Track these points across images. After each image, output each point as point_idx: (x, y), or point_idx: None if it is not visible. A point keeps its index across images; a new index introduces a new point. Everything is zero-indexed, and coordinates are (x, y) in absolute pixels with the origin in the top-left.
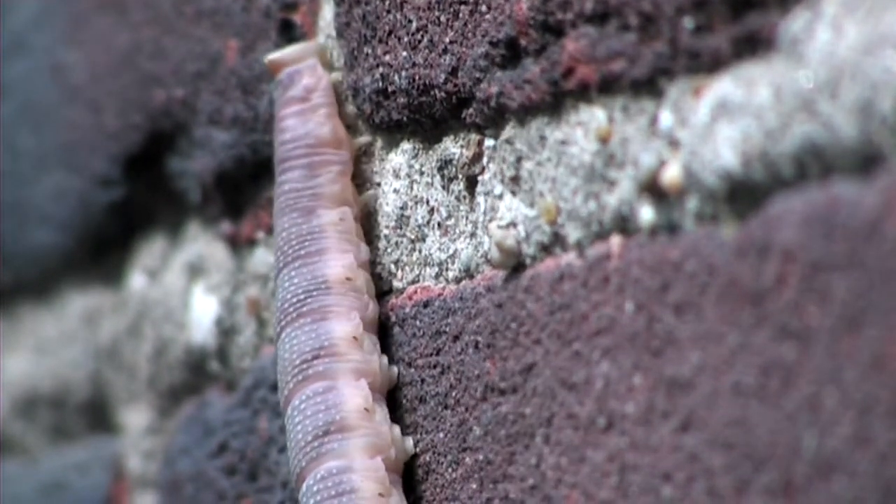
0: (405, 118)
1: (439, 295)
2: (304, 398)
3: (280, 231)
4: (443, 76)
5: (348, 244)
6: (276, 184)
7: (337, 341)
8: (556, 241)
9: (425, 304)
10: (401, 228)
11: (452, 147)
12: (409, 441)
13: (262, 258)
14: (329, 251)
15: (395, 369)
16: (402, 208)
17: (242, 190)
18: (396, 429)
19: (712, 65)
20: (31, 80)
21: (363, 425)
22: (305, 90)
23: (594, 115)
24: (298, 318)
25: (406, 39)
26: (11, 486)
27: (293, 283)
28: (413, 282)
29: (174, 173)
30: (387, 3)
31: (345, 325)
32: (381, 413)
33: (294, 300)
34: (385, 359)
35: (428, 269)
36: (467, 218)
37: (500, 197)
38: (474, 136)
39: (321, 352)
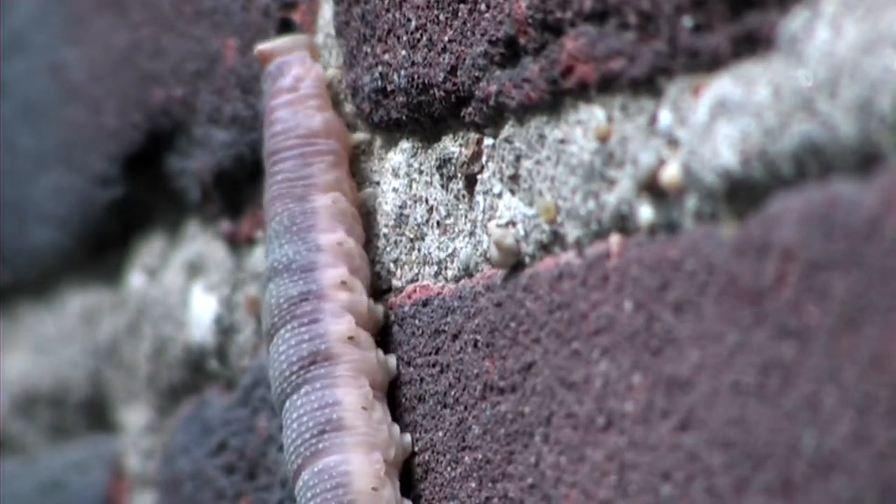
0: (404, 117)
1: (438, 294)
2: (290, 329)
3: (273, 215)
4: (442, 75)
5: (340, 223)
6: (268, 174)
7: (326, 288)
8: (555, 240)
9: (424, 303)
10: (400, 227)
11: (451, 146)
12: (408, 437)
13: (261, 257)
14: (321, 225)
15: (393, 360)
16: (401, 207)
17: (241, 189)
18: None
19: (711, 64)
20: (31, 79)
21: (348, 352)
22: (295, 80)
23: (593, 114)
24: (285, 271)
25: (405, 38)
26: (11, 484)
27: (283, 249)
28: (412, 281)
29: (173, 172)
30: (386, 1)
31: (331, 272)
32: (367, 340)
33: (283, 258)
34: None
35: (427, 267)
36: (466, 217)
37: (500, 196)
38: (473, 135)
39: (309, 295)
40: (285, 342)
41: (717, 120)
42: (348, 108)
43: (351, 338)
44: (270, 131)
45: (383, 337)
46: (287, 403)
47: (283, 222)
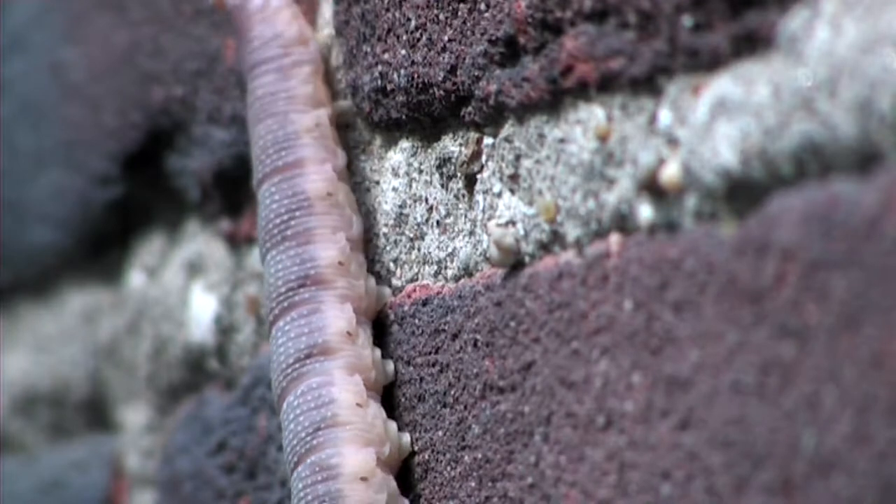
0: (404, 116)
1: (438, 293)
2: (290, 319)
3: (257, 139)
4: (442, 74)
5: (325, 152)
6: (248, 91)
7: (323, 269)
8: (554, 240)
9: (424, 303)
10: (400, 227)
11: (451, 145)
12: (405, 436)
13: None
14: (307, 162)
15: (391, 365)
16: (400, 206)
17: (241, 188)
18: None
19: (711, 63)
20: (31, 79)
21: (345, 348)
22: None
23: (593, 114)
24: (283, 241)
25: (405, 38)
26: (10, 483)
27: (274, 199)
28: (412, 280)
29: (173, 171)
30: (385, 1)
31: (330, 249)
32: (364, 336)
33: (278, 221)
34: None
35: (427, 267)
36: (466, 216)
37: (499, 195)
38: (473, 135)
39: (307, 280)
40: (284, 334)
41: (716, 119)
42: (347, 106)
43: (349, 333)
44: (249, 47)
45: (383, 336)
46: (284, 405)
47: (267, 151)
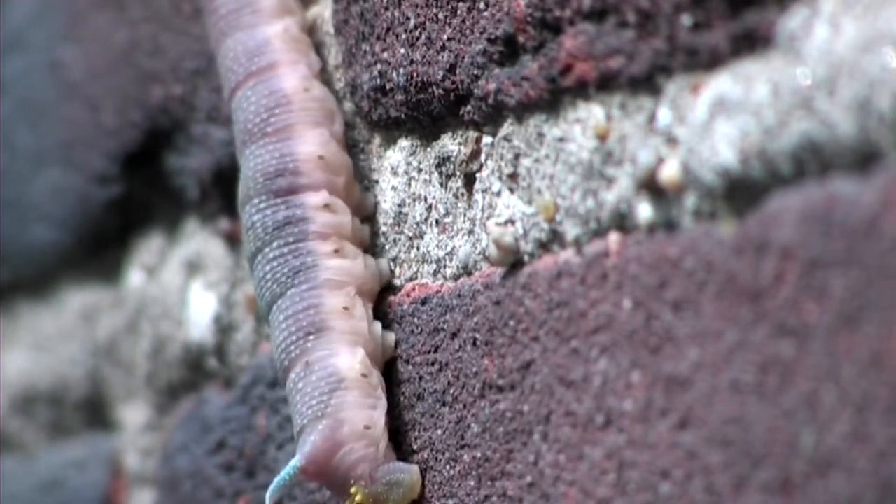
0: (403, 115)
1: (437, 292)
2: (264, 201)
3: (226, 53)
4: (441, 73)
5: (297, 53)
6: (209, 11)
7: (301, 163)
8: (554, 239)
9: (423, 301)
10: (399, 225)
11: (451, 144)
12: (391, 336)
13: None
14: (281, 64)
15: (390, 336)
16: (400, 205)
17: None
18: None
19: (710, 62)
20: (30, 77)
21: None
22: None
23: (592, 113)
24: (263, 136)
25: (404, 36)
26: (9, 483)
27: (251, 101)
28: (411, 279)
29: (172, 170)
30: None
31: (309, 145)
32: (344, 209)
33: (257, 119)
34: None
35: (426, 266)
36: (465, 215)
37: (499, 194)
38: (472, 134)
39: (286, 172)
40: (261, 211)
41: (716, 118)
42: (347, 105)
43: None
44: None
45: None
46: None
47: (239, 60)
